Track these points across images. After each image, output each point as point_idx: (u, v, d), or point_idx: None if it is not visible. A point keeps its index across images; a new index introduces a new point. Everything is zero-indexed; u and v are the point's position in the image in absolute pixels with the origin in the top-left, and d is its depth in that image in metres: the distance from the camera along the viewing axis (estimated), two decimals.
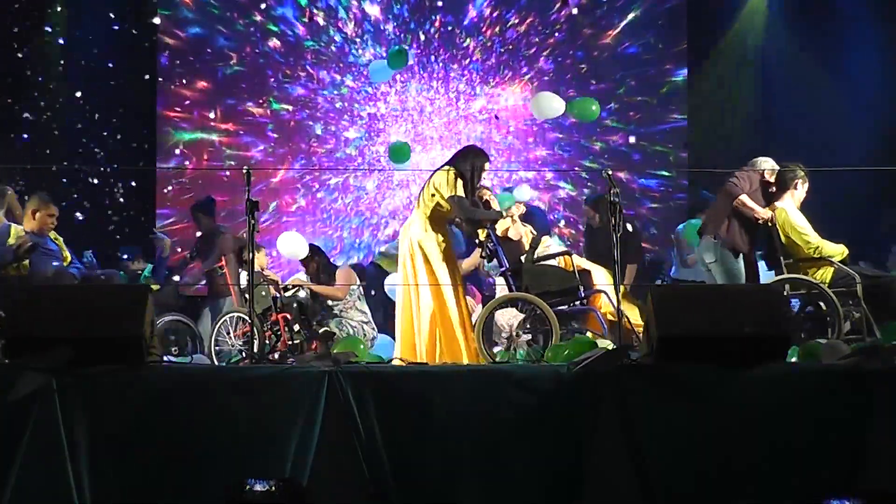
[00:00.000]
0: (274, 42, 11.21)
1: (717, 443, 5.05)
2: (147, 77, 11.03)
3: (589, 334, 7.00)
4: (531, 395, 5.10)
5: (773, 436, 5.06)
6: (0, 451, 4.87)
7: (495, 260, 7.18)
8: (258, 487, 4.53)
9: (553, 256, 7.43)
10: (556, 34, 11.42)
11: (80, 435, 4.93)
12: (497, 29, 11.41)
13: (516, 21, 11.40)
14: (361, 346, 6.95)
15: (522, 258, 7.27)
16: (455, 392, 5.11)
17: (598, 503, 5.00)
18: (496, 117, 11.00)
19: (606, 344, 6.12)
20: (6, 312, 5.44)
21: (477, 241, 7.23)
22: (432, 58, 11.41)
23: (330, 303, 8.30)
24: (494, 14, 11.42)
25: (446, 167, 7.15)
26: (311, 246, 8.77)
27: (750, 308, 5.25)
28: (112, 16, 10.81)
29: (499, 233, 7.47)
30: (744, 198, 7.50)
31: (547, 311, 6.77)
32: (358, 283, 8.50)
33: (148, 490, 4.93)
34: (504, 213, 7.59)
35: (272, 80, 11.20)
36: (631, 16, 11.43)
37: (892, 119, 9.40)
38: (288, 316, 7.76)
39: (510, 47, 11.38)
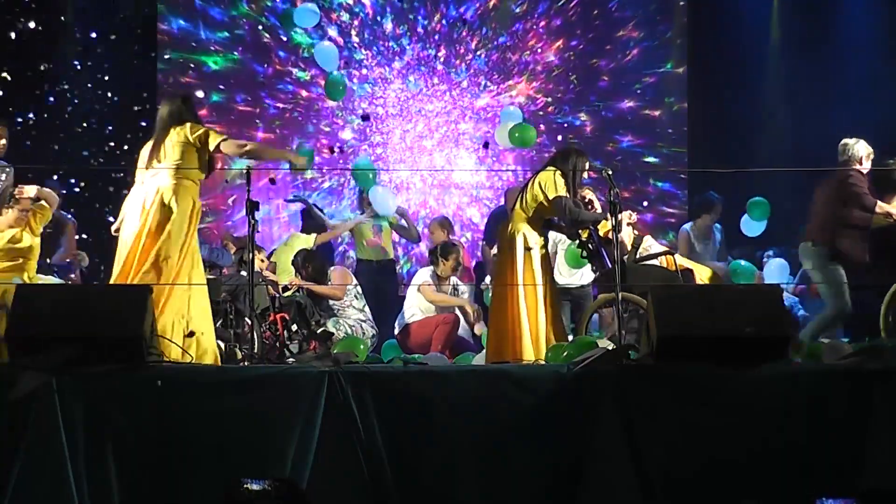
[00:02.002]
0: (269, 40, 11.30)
1: (717, 442, 5.10)
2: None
3: None
4: (531, 395, 5.15)
5: (774, 435, 5.11)
6: (0, 451, 4.89)
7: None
8: (254, 487, 4.50)
9: (655, 256, 7.54)
10: (557, 33, 11.54)
11: (80, 435, 4.95)
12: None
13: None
14: (361, 346, 7.04)
15: (625, 258, 7.37)
16: (455, 392, 5.15)
17: (598, 503, 5.04)
18: (485, 145, 10.98)
19: (607, 344, 6.18)
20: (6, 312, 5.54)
21: (577, 241, 7.32)
22: (431, 52, 11.50)
23: (331, 302, 8.41)
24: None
25: (550, 168, 7.14)
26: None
27: (750, 308, 5.28)
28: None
29: (600, 234, 7.51)
30: (883, 205, 7.24)
31: (650, 310, 6.86)
32: (354, 282, 8.62)
33: (148, 490, 4.97)
34: (606, 215, 7.44)
35: (266, 74, 11.27)
36: (629, 12, 11.55)
37: (892, 117, 9.50)
38: (286, 316, 7.84)
39: (510, 45, 11.50)
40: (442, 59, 11.49)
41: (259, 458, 4.97)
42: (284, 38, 11.31)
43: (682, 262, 7.67)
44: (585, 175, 7.32)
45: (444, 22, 11.53)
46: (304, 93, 11.31)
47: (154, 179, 6.20)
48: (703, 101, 11.36)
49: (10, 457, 4.89)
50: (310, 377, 5.10)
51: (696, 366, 5.18)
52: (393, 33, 11.47)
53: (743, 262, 9.09)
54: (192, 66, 11.20)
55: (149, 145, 6.32)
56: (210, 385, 5.14)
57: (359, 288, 8.61)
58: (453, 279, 8.83)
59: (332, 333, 7.87)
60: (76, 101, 10.72)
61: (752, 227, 9.35)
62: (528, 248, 6.97)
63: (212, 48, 11.22)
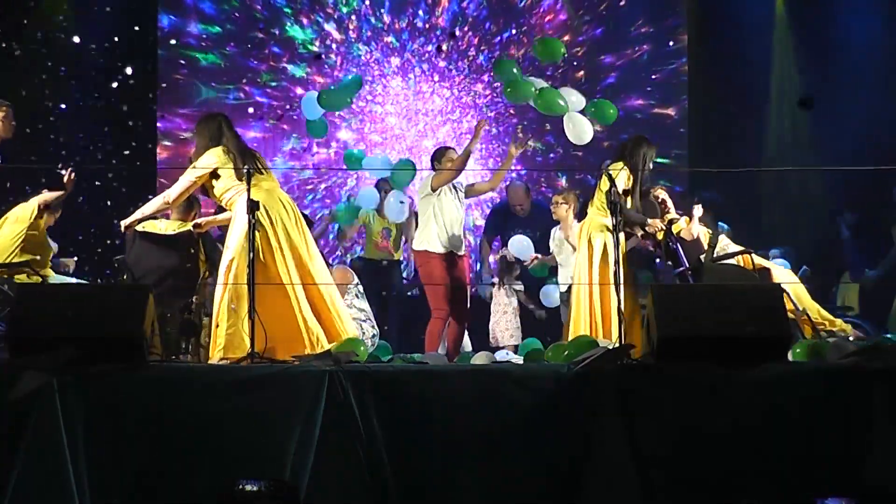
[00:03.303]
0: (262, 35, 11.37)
1: (718, 442, 5.16)
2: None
3: None
4: (532, 394, 5.22)
5: (774, 435, 5.18)
6: (1, 449, 4.97)
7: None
8: (249, 487, 4.66)
9: (733, 255, 7.61)
10: (562, 29, 11.61)
11: (80, 434, 5.02)
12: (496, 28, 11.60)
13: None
14: (362, 348, 7.11)
15: (702, 257, 7.47)
16: (456, 391, 5.22)
17: (598, 502, 5.10)
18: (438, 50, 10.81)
19: (607, 343, 6.26)
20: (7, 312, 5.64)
21: (652, 241, 7.42)
22: (429, 48, 11.56)
23: None
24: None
25: (617, 163, 7.26)
26: None
27: (751, 308, 5.37)
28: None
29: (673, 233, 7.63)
30: None
31: None
32: (356, 280, 8.70)
33: (148, 489, 5.04)
34: (648, 222, 7.56)
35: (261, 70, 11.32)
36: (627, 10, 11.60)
37: (892, 115, 9.62)
38: None
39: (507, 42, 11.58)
40: (444, 55, 11.55)
41: (260, 458, 5.04)
42: (277, 32, 11.37)
43: (760, 261, 7.75)
44: (650, 165, 7.39)
45: (445, 16, 11.58)
46: (298, 89, 11.35)
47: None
48: (703, 101, 11.43)
49: (10, 457, 4.96)
50: (310, 376, 5.17)
51: (696, 365, 5.25)
52: (392, 28, 11.52)
53: None
54: (182, 61, 11.27)
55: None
56: (210, 384, 5.20)
57: (360, 287, 8.70)
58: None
59: None
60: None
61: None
62: (596, 246, 7.13)
63: (203, 43, 11.29)
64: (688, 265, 7.41)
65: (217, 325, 6.32)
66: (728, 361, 5.25)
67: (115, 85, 10.84)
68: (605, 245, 7.15)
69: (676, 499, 5.12)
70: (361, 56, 11.42)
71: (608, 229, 7.10)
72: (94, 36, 10.79)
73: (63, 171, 7.59)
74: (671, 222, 7.62)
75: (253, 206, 5.93)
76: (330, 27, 11.44)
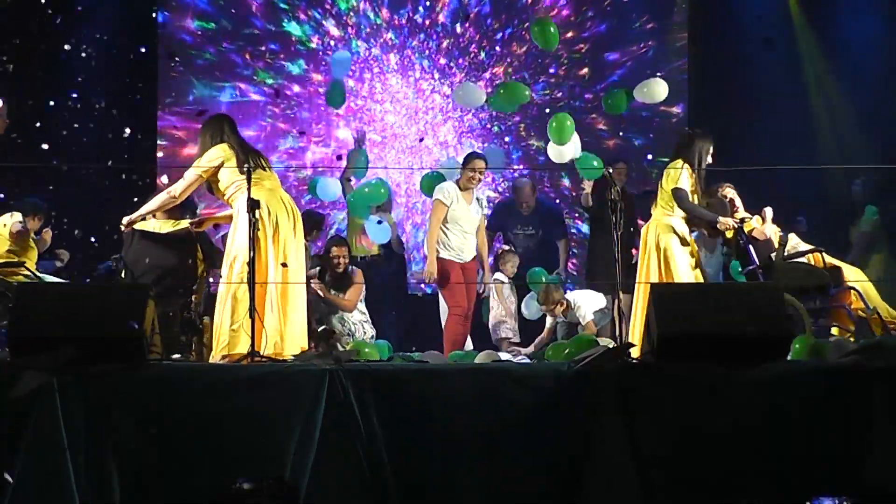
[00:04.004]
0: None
1: (718, 441, 5.24)
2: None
3: (836, 330, 7.34)
4: (532, 393, 5.30)
5: (774, 435, 5.26)
6: (1, 449, 5.04)
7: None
8: (247, 486, 4.73)
9: (803, 254, 7.71)
10: (567, 25, 11.61)
11: (80, 434, 5.10)
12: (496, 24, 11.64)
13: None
14: (367, 349, 7.24)
15: (773, 256, 7.58)
16: (456, 390, 5.31)
17: (598, 502, 5.19)
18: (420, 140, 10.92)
19: (608, 342, 6.35)
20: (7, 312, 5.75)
21: (721, 239, 7.53)
22: (432, 45, 11.59)
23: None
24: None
25: (676, 160, 7.36)
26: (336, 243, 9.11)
27: (751, 307, 5.45)
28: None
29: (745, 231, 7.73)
30: None
31: (800, 308, 7.11)
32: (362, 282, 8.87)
33: (148, 488, 5.12)
34: (719, 220, 7.61)
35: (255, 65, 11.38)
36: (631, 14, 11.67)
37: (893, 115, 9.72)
38: None
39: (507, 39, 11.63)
40: (444, 52, 11.59)
41: (260, 457, 5.13)
42: (273, 28, 11.44)
43: (830, 259, 7.84)
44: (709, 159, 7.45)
45: (446, 12, 11.62)
46: (296, 87, 11.45)
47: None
48: (703, 99, 11.50)
49: (10, 457, 5.04)
50: (310, 375, 5.26)
51: (696, 365, 5.33)
52: (391, 24, 11.58)
53: None
54: (177, 58, 11.35)
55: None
56: (210, 384, 5.29)
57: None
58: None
59: (334, 332, 8.07)
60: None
61: None
62: (658, 247, 7.24)
63: (198, 40, 11.37)
64: (758, 263, 7.53)
65: (221, 324, 6.44)
66: (728, 361, 5.33)
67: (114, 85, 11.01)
68: (668, 245, 7.26)
69: (676, 498, 5.20)
70: (360, 53, 11.48)
71: (673, 229, 7.27)
72: (93, 34, 10.92)
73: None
74: (742, 220, 7.73)
75: (253, 205, 6.06)
76: (328, 23, 11.51)
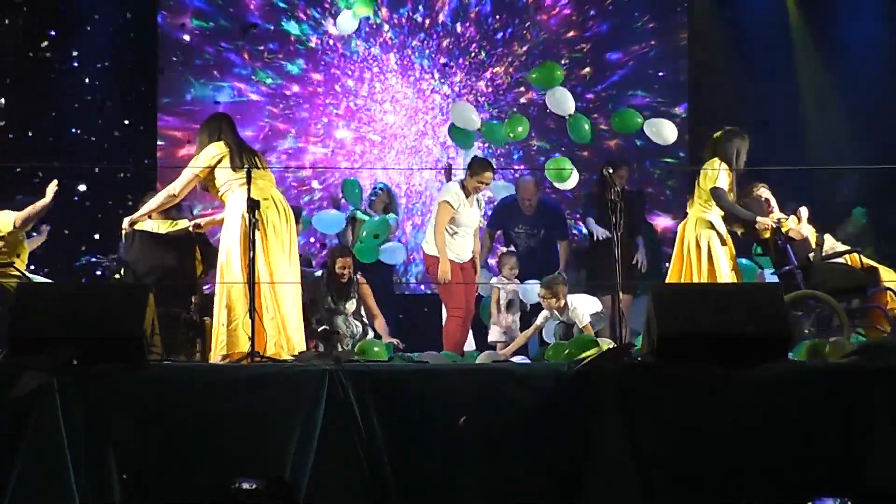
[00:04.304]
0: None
1: (718, 442, 5.30)
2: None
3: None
4: (532, 393, 5.37)
5: (774, 435, 5.32)
6: (1, 449, 5.11)
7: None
8: (246, 486, 4.71)
9: (841, 254, 7.76)
10: (555, 30, 11.70)
11: (81, 434, 5.16)
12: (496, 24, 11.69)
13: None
14: (377, 349, 7.32)
15: (811, 256, 7.65)
16: (456, 391, 5.37)
17: (598, 502, 5.25)
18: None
19: (607, 342, 6.43)
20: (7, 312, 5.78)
21: (757, 238, 7.63)
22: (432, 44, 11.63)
23: (333, 305, 8.74)
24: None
25: (712, 159, 7.46)
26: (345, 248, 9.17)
27: (751, 307, 5.52)
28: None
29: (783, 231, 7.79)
30: None
31: (838, 308, 7.18)
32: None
33: (148, 489, 5.19)
34: (758, 219, 7.71)
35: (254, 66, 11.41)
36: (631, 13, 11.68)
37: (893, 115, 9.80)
38: None
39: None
40: (445, 51, 11.60)
41: (260, 458, 5.19)
42: (272, 27, 11.47)
43: (867, 260, 7.90)
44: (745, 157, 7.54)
45: (446, 11, 11.65)
46: (294, 87, 11.47)
47: None
48: (704, 99, 11.53)
49: (10, 457, 5.10)
50: (310, 376, 5.32)
51: (696, 365, 5.39)
52: (391, 23, 11.59)
53: (744, 261, 9.39)
54: (174, 58, 11.40)
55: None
56: (210, 384, 5.36)
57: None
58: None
59: (337, 332, 8.14)
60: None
61: None
62: (699, 245, 7.35)
63: (196, 39, 11.41)
64: (797, 264, 7.61)
65: (222, 325, 6.52)
66: (728, 361, 5.39)
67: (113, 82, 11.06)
68: (709, 242, 7.38)
69: (676, 498, 5.26)
70: (359, 52, 11.51)
71: (712, 226, 7.38)
72: (93, 33, 11.01)
73: (50, 185, 7.86)
74: (779, 220, 7.80)
75: (253, 205, 6.14)
76: (327, 23, 11.48)
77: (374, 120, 11.57)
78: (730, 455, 5.32)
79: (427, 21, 11.66)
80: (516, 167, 11.29)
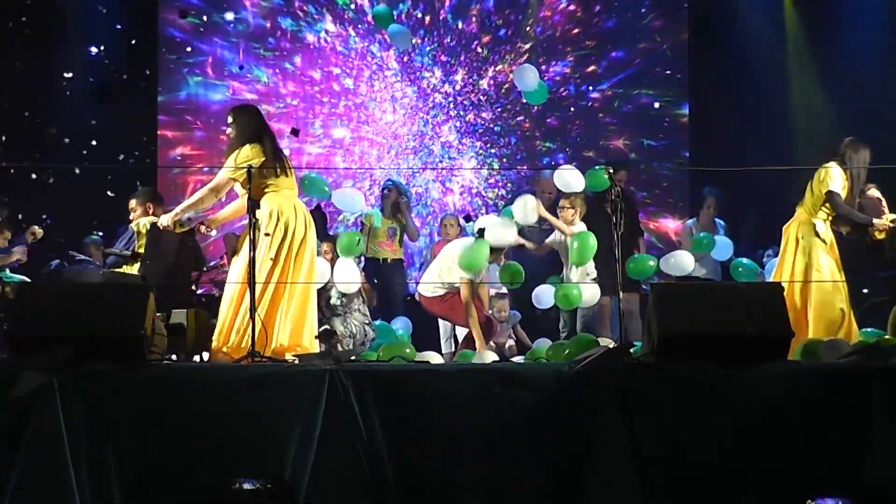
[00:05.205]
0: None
1: (718, 441, 5.42)
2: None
3: None
4: (532, 393, 5.47)
5: (774, 435, 5.44)
6: (1, 449, 5.22)
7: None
8: (247, 486, 4.85)
9: None
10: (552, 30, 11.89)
11: (81, 433, 5.27)
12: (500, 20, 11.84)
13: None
14: (407, 350, 7.49)
15: None
16: (456, 390, 5.48)
17: (598, 502, 5.36)
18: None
19: (608, 342, 6.52)
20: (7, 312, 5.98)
21: (870, 240, 7.80)
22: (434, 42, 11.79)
23: (335, 302, 8.91)
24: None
25: (828, 163, 7.62)
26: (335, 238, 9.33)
27: (751, 307, 5.64)
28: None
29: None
30: None
31: None
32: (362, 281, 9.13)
33: (148, 489, 5.30)
34: (874, 222, 7.87)
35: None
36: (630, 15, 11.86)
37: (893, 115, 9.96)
38: None
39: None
40: (446, 49, 11.77)
41: (260, 457, 5.31)
42: (268, 24, 11.64)
43: None
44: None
45: (446, 8, 11.80)
46: (290, 85, 11.64)
47: None
48: (704, 97, 11.71)
49: (11, 456, 5.22)
50: (311, 375, 5.44)
51: (696, 365, 5.51)
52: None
53: (745, 261, 9.59)
54: (173, 56, 11.58)
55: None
56: (211, 384, 5.47)
57: (363, 295, 9.15)
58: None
59: (335, 332, 8.30)
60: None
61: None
62: (808, 248, 7.54)
63: (193, 36, 11.59)
64: None
65: (226, 322, 6.70)
66: (728, 361, 5.51)
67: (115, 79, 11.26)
68: (814, 248, 7.56)
69: (676, 498, 5.38)
70: (358, 49, 11.67)
71: (817, 232, 7.56)
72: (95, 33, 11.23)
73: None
74: (894, 222, 7.94)
75: (254, 206, 6.33)
76: (325, 20, 11.70)
77: (373, 119, 11.72)
78: (730, 455, 5.43)
79: (428, 18, 11.81)
80: (519, 167, 11.47)
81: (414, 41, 11.63)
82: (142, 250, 7.66)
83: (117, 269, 7.65)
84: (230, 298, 6.69)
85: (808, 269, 7.56)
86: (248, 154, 6.78)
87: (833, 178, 7.58)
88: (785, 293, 7.17)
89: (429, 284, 8.63)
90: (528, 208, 8.58)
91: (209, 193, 6.93)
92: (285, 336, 6.65)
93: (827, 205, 7.61)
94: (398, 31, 10.49)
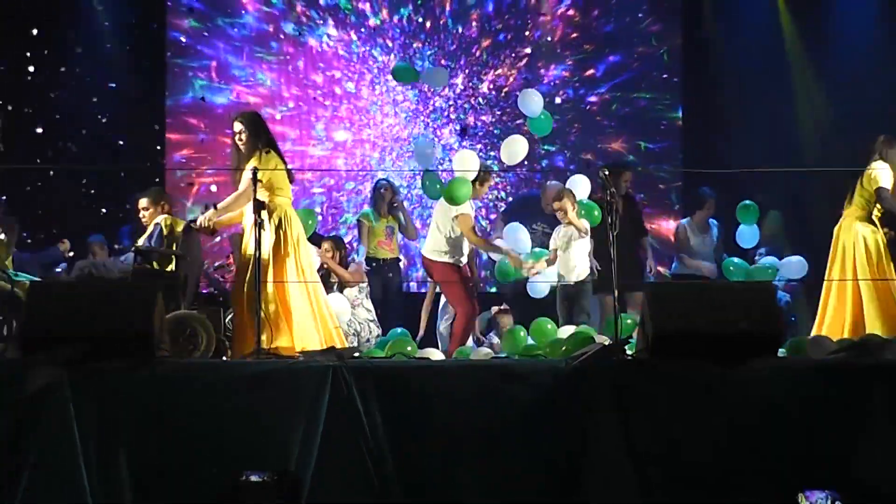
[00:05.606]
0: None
1: (713, 438, 5.52)
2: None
3: None
4: (530, 389, 5.58)
5: (770, 432, 5.53)
6: (13, 445, 5.33)
7: None
8: (254, 479, 5.08)
9: None
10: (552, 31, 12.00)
11: (91, 429, 5.38)
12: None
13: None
14: (409, 348, 7.68)
15: None
16: (457, 387, 5.60)
17: (596, 498, 5.46)
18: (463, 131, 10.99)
19: (604, 339, 6.62)
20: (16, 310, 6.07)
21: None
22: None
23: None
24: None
25: (876, 161, 7.80)
26: (336, 237, 9.59)
27: (744, 305, 5.73)
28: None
29: None
30: None
31: None
32: (365, 281, 9.33)
33: (156, 483, 5.43)
34: None
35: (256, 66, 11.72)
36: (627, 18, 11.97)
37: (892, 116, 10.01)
38: None
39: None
40: (447, 53, 11.87)
41: (264, 453, 5.44)
42: (270, 28, 11.74)
43: None
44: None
45: (447, 13, 11.90)
46: (294, 89, 11.78)
47: None
48: (698, 99, 11.82)
49: (22, 452, 5.34)
50: (314, 372, 5.57)
51: (691, 362, 5.61)
52: (391, 24, 11.86)
53: (737, 260, 9.78)
54: (178, 60, 11.72)
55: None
56: (216, 381, 5.60)
57: (369, 288, 9.35)
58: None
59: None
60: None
61: (746, 235, 10.06)
62: (864, 243, 7.72)
63: (195, 40, 11.71)
64: None
65: (243, 320, 6.97)
66: (722, 358, 5.61)
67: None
68: (865, 242, 7.76)
69: (673, 495, 5.48)
70: (359, 53, 11.77)
71: (866, 231, 7.75)
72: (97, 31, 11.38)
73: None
74: None
75: (259, 206, 6.54)
76: (327, 24, 11.81)
77: (375, 123, 11.82)
78: (725, 452, 5.52)
79: (428, 22, 11.90)
80: (519, 170, 11.51)
81: (415, 45, 11.78)
82: (174, 248, 7.85)
83: (147, 266, 7.79)
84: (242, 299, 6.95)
85: (854, 269, 7.76)
86: (270, 161, 7.06)
87: (882, 176, 7.77)
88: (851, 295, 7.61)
89: (433, 249, 8.80)
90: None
91: (241, 198, 7.15)
92: (296, 335, 6.92)
93: (877, 203, 7.82)
94: (432, 73, 10.66)
